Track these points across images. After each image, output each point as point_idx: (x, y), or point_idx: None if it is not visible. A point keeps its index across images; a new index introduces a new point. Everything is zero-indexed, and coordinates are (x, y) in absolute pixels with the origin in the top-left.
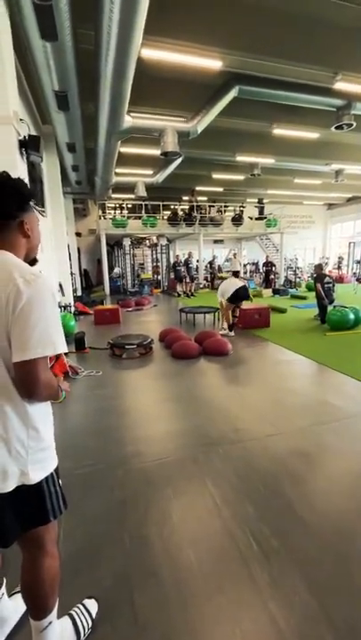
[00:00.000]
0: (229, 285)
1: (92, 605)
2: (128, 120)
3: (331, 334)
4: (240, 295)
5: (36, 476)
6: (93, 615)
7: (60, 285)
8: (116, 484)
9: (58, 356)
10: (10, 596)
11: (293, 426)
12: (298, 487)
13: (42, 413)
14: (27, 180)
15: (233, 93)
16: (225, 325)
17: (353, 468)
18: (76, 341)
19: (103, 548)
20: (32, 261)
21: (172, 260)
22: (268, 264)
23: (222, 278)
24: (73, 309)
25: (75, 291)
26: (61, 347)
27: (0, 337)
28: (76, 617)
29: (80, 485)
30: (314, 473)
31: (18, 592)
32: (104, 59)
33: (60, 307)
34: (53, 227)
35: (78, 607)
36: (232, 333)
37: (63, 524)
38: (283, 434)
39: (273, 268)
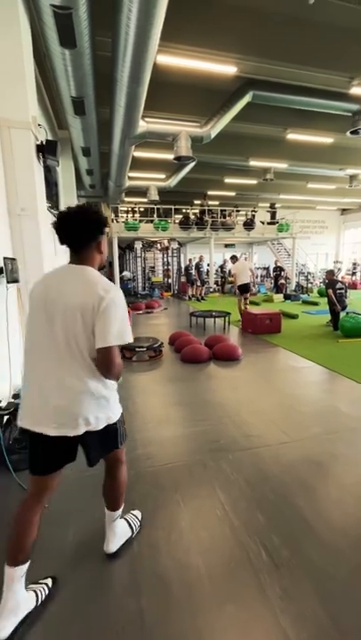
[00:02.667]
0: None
1: (138, 514)
2: (143, 125)
3: (344, 341)
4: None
5: (114, 418)
6: (140, 518)
7: None
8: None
9: None
10: (26, 587)
11: (305, 433)
12: (310, 496)
13: (112, 381)
14: (42, 184)
15: (247, 98)
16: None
17: None
18: None
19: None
20: (101, 268)
21: (182, 264)
22: (278, 269)
23: (232, 283)
24: None
25: None
26: (129, 339)
27: (88, 331)
28: (130, 520)
29: (91, 487)
30: (326, 482)
31: (33, 586)
32: (120, 65)
33: None
34: None
35: (130, 514)
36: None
37: (72, 526)
38: (294, 441)
39: (282, 273)
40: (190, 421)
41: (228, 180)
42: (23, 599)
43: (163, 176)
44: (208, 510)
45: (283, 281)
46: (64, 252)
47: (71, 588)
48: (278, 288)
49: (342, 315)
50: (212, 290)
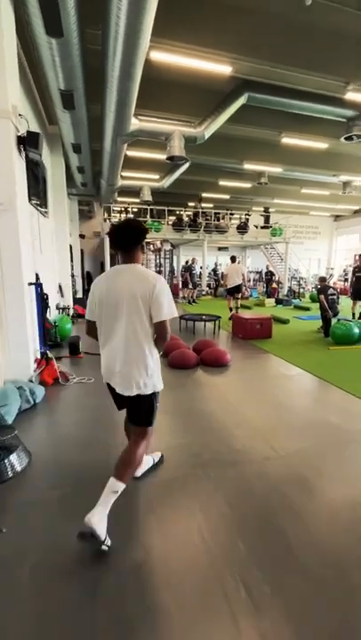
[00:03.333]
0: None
1: (157, 455)
2: (135, 123)
3: (335, 348)
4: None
5: (158, 388)
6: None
7: (60, 287)
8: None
9: (48, 362)
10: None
11: (292, 447)
12: (295, 521)
13: (156, 356)
14: (23, 178)
15: (242, 100)
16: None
17: (357, 498)
18: (70, 346)
19: (72, 590)
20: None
21: (175, 266)
22: (269, 273)
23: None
24: (72, 311)
25: (75, 293)
26: (175, 314)
27: (146, 310)
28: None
29: (55, 508)
30: (313, 504)
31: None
32: (111, 58)
33: (59, 308)
34: (56, 228)
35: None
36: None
37: (40, 554)
38: (281, 457)
39: (273, 278)
40: (172, 433)
41: (222, 183)
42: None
43: (156, 176)
44: (184, 537)
45: (275, 285)
46: (49, 252)
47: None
48: (270, 292)
49: (334, 321)
50: (204, 293)
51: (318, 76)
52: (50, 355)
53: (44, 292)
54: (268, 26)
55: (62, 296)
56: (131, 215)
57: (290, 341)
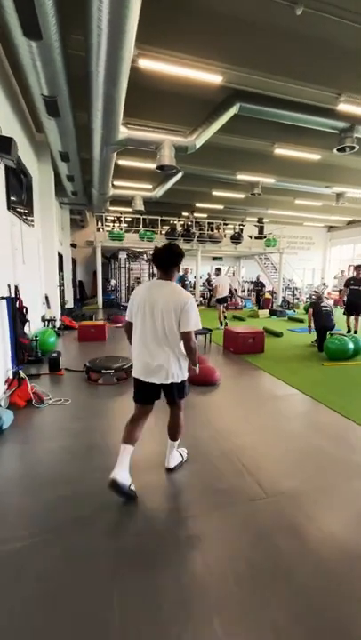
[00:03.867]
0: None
1: (184, 451)
2: (124, 131)
3: (328, 364)
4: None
5: (184, 377)
6: (186, 453)
7: (47, 297)
8: (46, 568)
9: (20, 382)
10: None
11: (283, 485)
12: (283, 590)
13: (184, 355)
14: (1, 185)
15: (233, 110)
16: None
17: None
18: (50, 362)
19: None
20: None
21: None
22: (259, 284)
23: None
24: (59, 323)
25: (64, 303)
26: (199, 326)
27: (176, 322)
28: (181, 452)
29: (4, 569)
30: (303, 563)
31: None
32: (95, 64)
33: (44, 320)
34: (43, 237)
35: (180, 449)
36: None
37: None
38: (269, 497)
39: (263, 289)
40: (148, 470)
41: (215, 193)
42: (126, 467)
43: (149, 186)
44: (146, 617)
45: (268, 296)
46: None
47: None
48: (261, 304)
49: (328, 336)
50: (197, 303)
51: (310, 86)
52: (22, 374)
53: (24, 305)
54: (259, 35)
55: (49, 307)
56: (124, 225)
57: (283, 356)
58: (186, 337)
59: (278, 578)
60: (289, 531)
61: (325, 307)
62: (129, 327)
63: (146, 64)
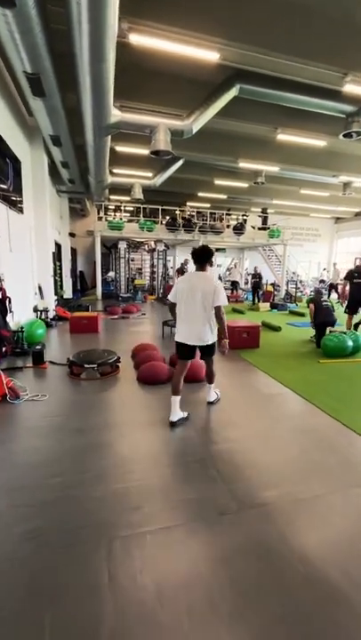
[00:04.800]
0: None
1: (218, 390)
2: (116, 114)
3: (325, 361)
4: None
5: (214, 340)
6: (219, 392)
7: (40, 287)
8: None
9: None
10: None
11: (259, 498)
12: (240, 630)
13: (215, 324)
14: None
15: (233, 92)
16: None
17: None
18: (34, 355)
19: None
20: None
21: (170, 267)
22: (257, 275)
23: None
24: (52, 314)
25: (60, 293)
26: (226, 303)
27: (210, 299)
28: (216, 391)
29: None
30: (274, 600)
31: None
32: (78, 38)
33: (37, 311)
34: (36, 224)
35: (216, 389)
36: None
37: None
38: (242, 511)
39: (261, 281)
40: (113, 476)
41: (218, 182)
42: (179, 410)
43: (149, 174)
44: None
45: (270, 288)
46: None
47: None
48: (259, 297)
49: (327, 331)
50: None
51: (314, 65)
52: None
53: (7, 295)
54: (259, 8)
55: (42, 297)
56: (125, 214)
57: (279, 352)
58: (218, 309)
59: (233, 622)
60: (260, 554)
61: (326, 301)
62: (173, 307)
63: (137, 39)
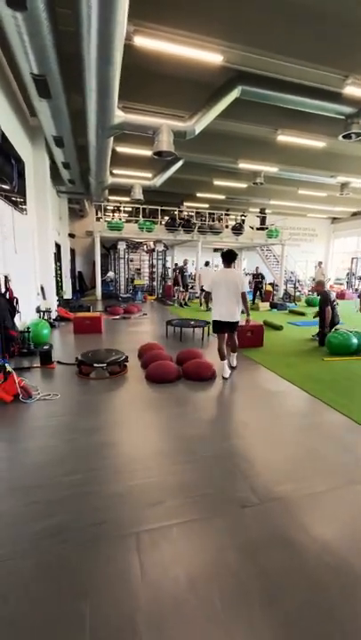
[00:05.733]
0: (207, 276)
1: (234, 360)
2: (120, 115)
3: (329, 359)
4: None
5: (238, 319)
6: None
7: (42, 288)
8: (13, 588)
9: (7, 376)
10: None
11: (274, 492)
12: (280, 618)
13: (241, 306)
14: None
15: (235, 94)
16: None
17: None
18: (42, 355)
19: None
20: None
21: (170, 267)
22: (258, 276)
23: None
24: (54, 315)
25: (61, 293)
26: (246, 288)
27: (237, 288)
28: (235, 358)
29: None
30: (302, 585)
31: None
32: (86, 40)
33: (39, 311)
34: (38, 225)
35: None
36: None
37: None
38: (262, 504)
39: (263, 281)
40: (130, 472)
41: (217, 183)
42: (228, 369)
43: (149, 175)
44: None
45: (270, 288)
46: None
47: None
48: (261, 296)
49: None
50: (197, 295)
51: (316, 67)
52: (9, 368)
53: (14, 295)
54: (263, 11)
55: (44, 298)
56: (124, 215)
57: (282, 351)
58: (243, 294)
59: (268, 599)
60: (282, 543)
61: (335, 301)
62: (208, 294)
63: (142, 42)
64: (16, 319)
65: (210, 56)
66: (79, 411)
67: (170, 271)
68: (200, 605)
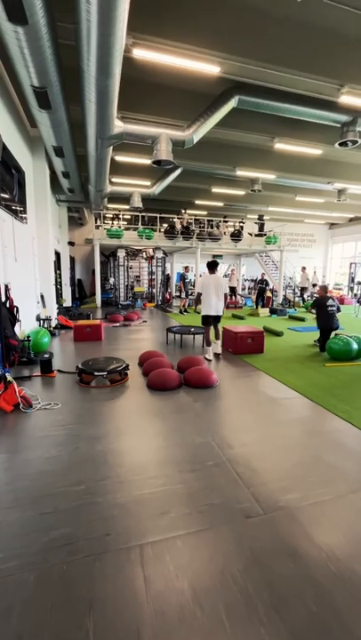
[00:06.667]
0: (208, 298)
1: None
2: (119, 125)
3: (330, 365)
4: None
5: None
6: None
7: (42, 296)
8: (19, 601)
9: (7, 385)
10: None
11: (277, 501)
12: (286, 634)
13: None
14: None
15: (232, 103)
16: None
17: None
18: (42, 363)
19: None
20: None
21: (170, 273)
22: (263, 282)
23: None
24: (54, 323)
25: (61, 301)
26: (227, 290)
27: (222, 288)
28: (219, 345)
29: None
30: (308, 591)
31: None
32: (85, 52)
33: (39, 320)
34: (38, 234)
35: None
36: (209, 356)
37: None
38: (266, 514)
39: (267, 287)
40: (134, 482)
41: (215, 190)
42: (212, 353)
43: (148, 183)
44: None
45: (269, 294)
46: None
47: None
48: (263, 302)
49: (331, 335)
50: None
51: (311, 77)
52: (9, 377)
53: (14, 304)
54: (259, 23)
55: (44, 306)
56: (123, 222)
57: (283, 357)
58: (225, 294)
59: (275, 610)
60: (288, 551)
61: (331, 306)
62: (199, 296)
63: (140, 54)
64: (16, 328)
65: (207, 67)
66: (80, 420)
67: (174, 279)
68: (205, 618)
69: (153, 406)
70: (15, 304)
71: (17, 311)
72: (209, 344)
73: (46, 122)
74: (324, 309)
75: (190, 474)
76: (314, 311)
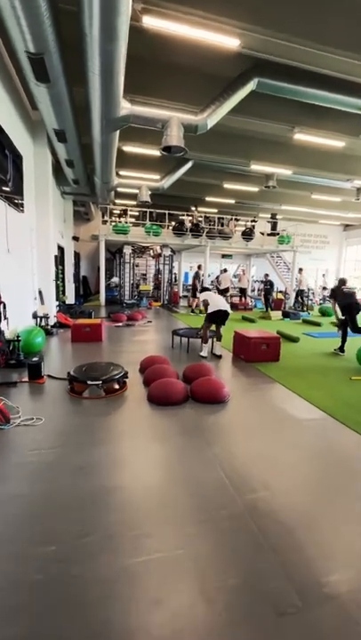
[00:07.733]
0: (215, 300)
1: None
2: (126, 106)
3: (358, 378)
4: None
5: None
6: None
7: (40, 292)
8: None
9: None
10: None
11: (325, 586)
12: None
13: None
14: None
15: (251, 86)
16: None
17: None
18: (30, 368)
19: None
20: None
21: (177, 272)
22: (268, 283)
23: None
24: (53, 321)
25: (62, 298)
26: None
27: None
28: (220, 346)
29: None
30: None
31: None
32: (87, 10)
33: (36, 317)
34: (37, 225)
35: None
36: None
37: None
38: (302, 611)
39: (272, 288)
40: (125, 542)
41: (227, 186)
42: (208, 350)
43: (156, 176)
44: None
45: (281, 296)
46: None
47: None
48: (270, 305)
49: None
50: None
51: (340, 54)
52: None
53: (2, 300)
54: None
55: (42, 303)
56: (130, 219)
57: (302, 366)
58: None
59: None
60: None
61: (349, 288)
62: (207, 302)
63: (151, 22)
64: (3, 326)
65: (226, 40)
66: (66, 441)
67: (190, 277)
68: None
69: (153, 426)
70: (3, 300)
71: (4, 307)
72: (206, 341)
73: (45, 99)
74: (339, 291)
75: (198, 528)
76: (331, 300)
